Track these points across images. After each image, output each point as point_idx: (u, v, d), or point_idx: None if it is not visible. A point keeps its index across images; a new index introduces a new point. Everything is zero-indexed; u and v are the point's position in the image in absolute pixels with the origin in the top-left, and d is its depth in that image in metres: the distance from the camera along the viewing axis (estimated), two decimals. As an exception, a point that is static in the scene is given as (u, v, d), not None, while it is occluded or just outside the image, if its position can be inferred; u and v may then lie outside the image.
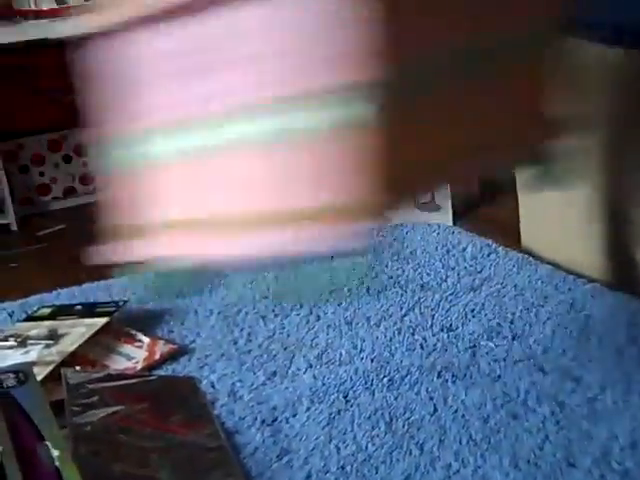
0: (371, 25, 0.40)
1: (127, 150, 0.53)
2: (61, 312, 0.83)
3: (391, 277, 0.87)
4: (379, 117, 0.41)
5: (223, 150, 0.47)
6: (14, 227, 3.83)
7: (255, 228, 0.46)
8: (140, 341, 0.77)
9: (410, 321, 0.78)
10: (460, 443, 0.59)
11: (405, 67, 0.42)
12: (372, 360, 0.71)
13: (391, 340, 0.74)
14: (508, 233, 0.97)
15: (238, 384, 0.69)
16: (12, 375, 0.62)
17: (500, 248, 0.92)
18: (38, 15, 2.89)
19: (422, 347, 0.73)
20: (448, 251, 0.93)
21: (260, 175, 0.46)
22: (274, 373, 0.70)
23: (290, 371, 0.71)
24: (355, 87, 0.41)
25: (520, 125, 0.52)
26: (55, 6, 2.88)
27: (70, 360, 0.73)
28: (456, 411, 0.63)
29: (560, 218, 0.88)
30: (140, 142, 0.52)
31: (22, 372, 0.62)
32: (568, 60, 0.84)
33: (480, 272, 0.87)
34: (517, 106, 0.52)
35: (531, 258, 0.88)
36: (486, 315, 0.77)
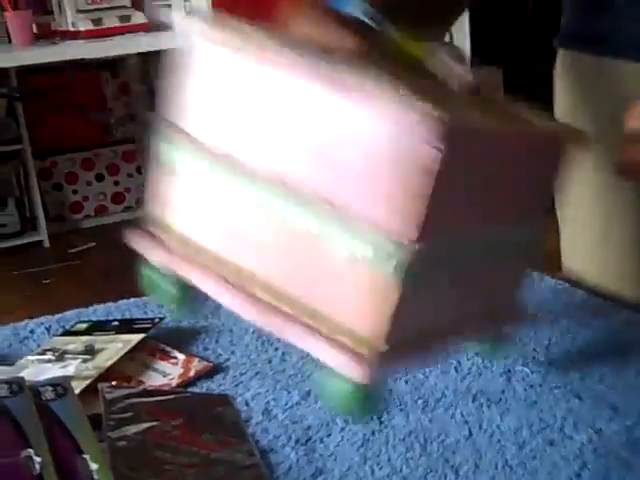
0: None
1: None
2: (97, 328, 0.84)
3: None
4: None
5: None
6: (47, 244, 3.88)
7: None
8: (175, 358, 0.77)
9: (444, 344, 0.77)
10: (496, 468, 0.59)
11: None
12: (406, 382, 0.71)
13: (425, 363, 0.74)
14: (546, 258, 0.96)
15: (272, 403, 0.69)
16: (51, 388, 0.63)
17: (535, 274, 0.91)
18: (75, 36, 2.94)
19: (456, 370, 0.72)
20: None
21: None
22: (308, 393, 0.71)
23: (324, 391, 0.71)
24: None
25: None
26: (92, 27, 2.93)
27: (106, 375, 0.74)
28: (491, 435, 0.62)
29: (602, 241, 0.87)
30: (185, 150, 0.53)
31: (61, 385, 0.63)
32: (602, 77, 0.85)
33: (515, 297, 0.87)
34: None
35: (567, 284, 0.88)
36: (521, 340, 0.77)
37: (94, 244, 3.92)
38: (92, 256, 3.81)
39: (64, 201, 4.08)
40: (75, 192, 4.08)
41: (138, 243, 0.54)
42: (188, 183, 0.53)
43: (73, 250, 3.87)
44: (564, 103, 0.93)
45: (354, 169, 0.43)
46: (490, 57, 3.31)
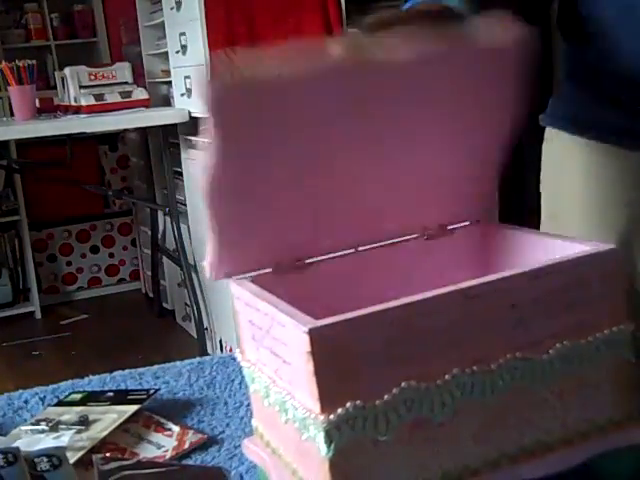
0: None
1: None
2: (92, 398, 0.84)
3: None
4: None
5: None
6: (38, 315, 3.86)
7: None
8: (170, 430, 0.77)
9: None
10: None
11: None
12: None
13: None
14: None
15: (267, 477, 0.69)
16: (46, 459, 0.63)
17: None
18: (77, 111, 2.99)
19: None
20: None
21: None
22: (303, 467, 0.70)
23: (319, 465, 0.70)
24: None
25: None
26: (94, 102, 2.98)
27: (100, 446, 0.74)
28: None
29: None
30: None
31: (56, 456, 0.63)
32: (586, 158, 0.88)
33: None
34: None
35: None
36: None
37: (86, 316, 3.91)
38: (83, 328, 3.79)
39: (57, 273, 4.08)
40: (69, 264, 4.09)
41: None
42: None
43: (64, 322, 3.85)
44: (549, 177, 0.97)
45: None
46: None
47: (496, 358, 0.50)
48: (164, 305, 3.73)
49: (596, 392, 0.53)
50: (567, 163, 0.93)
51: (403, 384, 0.48)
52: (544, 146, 0.98)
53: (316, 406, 0.47)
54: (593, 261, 0.51)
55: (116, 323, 3.77)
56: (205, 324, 3.16)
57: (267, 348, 0.53)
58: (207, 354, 3.12)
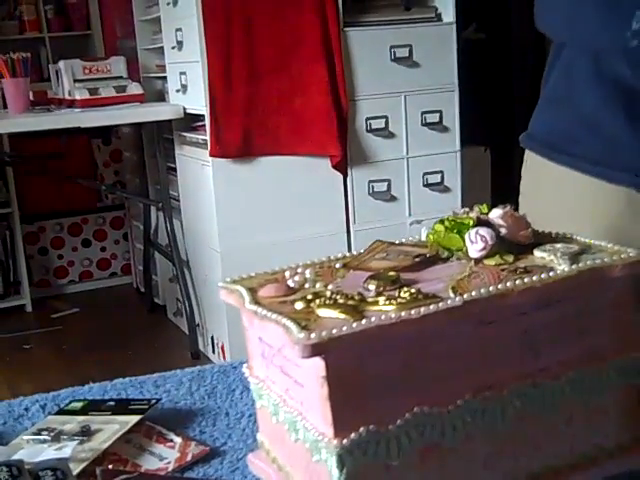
0: None
1: None
2: (93, 407, 0.83)
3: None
4: None
5: None
6: (29, 309, 3.85)
7: None
8: (172, 441, 0.77)
9: None
10: None
11: None
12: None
13: None
14: None
15: (270, 491, 0.69)
16: (50, 472, 0.62)
17: None
18: (71, 105, 2.98)
19: None
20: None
21: None
22: None
23: None
24: None
25: None
26: (88, 96, 2.97)
27: (102, 458, 0.73)
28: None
29: None
30: None
31: (60, 470, 0.63)
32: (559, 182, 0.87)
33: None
34: None
35: None
36: None
37: (77, 310, 3.89)
38: (74, 322, 3.78)
39: (49, 266, 4.07)
40: (60, 257, 4.08)
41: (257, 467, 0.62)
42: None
43: (55, 315, 3.84)
44: (526, 201, 0.95)
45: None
46: (478, 138, 3.39)
47: (508, 384, 0.50)
48: (155, 300, 3.73)
49: (604, 417, 0.53)
50: (542, 187, 0.91)
51: (416, 409, 0.48)
52: (522, 168, 0.96)
53: (329, 430, 0.47)
54: (605, 288, 0.52)
55: (107, 317, 3.76)
56: (197, 320, 3.15)
57: (277, 367, 0.53)
58: (199, 351, 3.11)
